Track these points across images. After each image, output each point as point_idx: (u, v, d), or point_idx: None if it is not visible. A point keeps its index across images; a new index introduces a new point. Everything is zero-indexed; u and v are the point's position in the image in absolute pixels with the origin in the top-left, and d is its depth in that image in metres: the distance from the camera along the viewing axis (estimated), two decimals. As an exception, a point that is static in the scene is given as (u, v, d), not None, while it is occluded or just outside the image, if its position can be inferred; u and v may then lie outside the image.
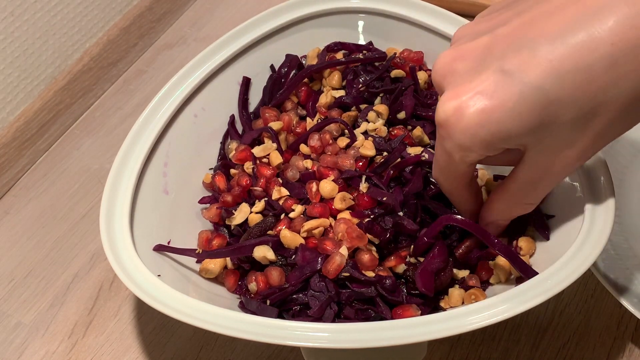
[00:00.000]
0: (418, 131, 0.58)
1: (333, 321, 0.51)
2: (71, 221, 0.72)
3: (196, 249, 0.56)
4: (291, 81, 0.64)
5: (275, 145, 0.60)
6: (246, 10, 0.88)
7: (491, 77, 0.42)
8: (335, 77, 0.63)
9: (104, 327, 0.64)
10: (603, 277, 0.57)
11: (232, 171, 0.60)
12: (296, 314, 0.52)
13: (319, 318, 0.51)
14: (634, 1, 0.39)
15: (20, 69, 0.74)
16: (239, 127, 0.64)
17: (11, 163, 0.74)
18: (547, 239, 0.54)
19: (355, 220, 0.53)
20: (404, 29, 0.65)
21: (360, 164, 0.56)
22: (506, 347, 0.60)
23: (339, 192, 0.55)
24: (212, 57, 0.63)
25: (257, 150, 0.59)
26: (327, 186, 0.55)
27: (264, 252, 0.53)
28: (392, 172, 0.55)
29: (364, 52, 0.64)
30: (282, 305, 0.52)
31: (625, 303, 0.56)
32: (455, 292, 0.52)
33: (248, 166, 0.59)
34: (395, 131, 0.59)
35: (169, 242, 0.56)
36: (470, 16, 0.59)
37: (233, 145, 0.62)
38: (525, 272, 0.50)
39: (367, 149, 0.57)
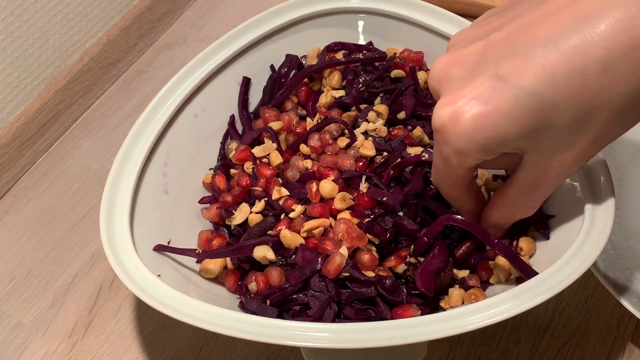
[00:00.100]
0: (418, 131, 0.58)
1: (333, 321, 0.51)
2: (71, 221, 0.72)
3: (196, 249, 0.56)
4: (291, 81, 0.64)
5: (275, 145, 0.59)
6: (246, 10, 0.88)
7: (486, 83, 0.42)
8: (335, 77, 0.63)
9: (104, 327, 0.64)
10: (603, 277, 0.57)
11: (232, 171, 0.60)
12: (296, 314, 0.52)
13: (319, 318, 0.51)
14: (625, 5, 0.39)
15: (20, 69, 0.74)
16: (239, 127, 0.64)
17: (11, 163, 0.74)
18: (547, 238, 0.54)
19: (355, 220, 0.53)
20: (404, 29, 0.65)
21: (360, 164, 0.56)
22: (506, 347, 0.60)
23: (339, 192, 0.55)
24: (212, 57, 0.63)
25: (257, 150, 0.59)
26: (327, 186, 0.55)
27: (264, 252, 0.53)
28: (392, 172, 0.55)
29: (364, 52, 0.64)
30: (282, 305, 0.52)
31: (625, 303, 0.55)
32: (455, 292, 0.52)
33: (248, 166, 0.59)
34: (395, 131, 0.59)
35: (169, 242, 0.56)
36: (470, 16, 0.59)
37: (233, 145, 0.62)
38: (525, 272, 0.50)
39: (367, 149, 0.57)
